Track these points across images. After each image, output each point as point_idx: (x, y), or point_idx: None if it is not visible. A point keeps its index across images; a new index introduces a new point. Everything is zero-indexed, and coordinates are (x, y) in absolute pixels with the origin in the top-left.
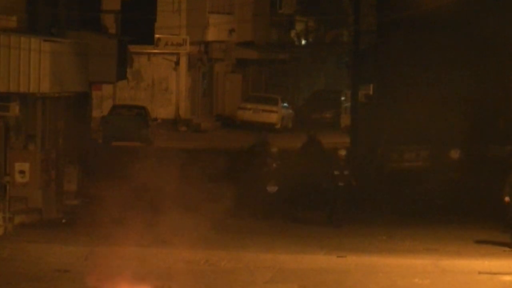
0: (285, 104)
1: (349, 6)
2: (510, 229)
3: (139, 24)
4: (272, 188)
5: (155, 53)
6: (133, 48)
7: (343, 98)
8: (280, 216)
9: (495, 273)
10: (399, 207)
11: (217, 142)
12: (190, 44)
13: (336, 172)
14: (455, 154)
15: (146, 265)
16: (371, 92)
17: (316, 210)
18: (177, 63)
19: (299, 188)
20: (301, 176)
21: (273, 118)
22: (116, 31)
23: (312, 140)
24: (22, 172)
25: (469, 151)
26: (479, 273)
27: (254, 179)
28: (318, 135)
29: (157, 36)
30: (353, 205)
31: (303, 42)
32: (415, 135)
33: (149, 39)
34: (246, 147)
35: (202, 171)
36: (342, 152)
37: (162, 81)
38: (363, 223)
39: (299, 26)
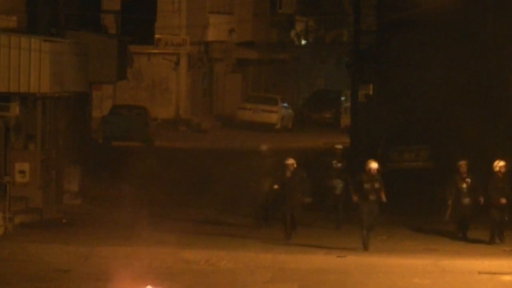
0: (285, 104)
1: (349, 6)
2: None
3: (139, 24)
4: (307, 199)
5: (155, 53)
6: (133, 48)
7: (343, 98)
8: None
9: (495, 273)
10: (400, 207)
11: (217, 142)
12: (190, 44)
13: (366, 186)
14: None
15: (146, 265)
16: (371, 92)
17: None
18: (177, 63)
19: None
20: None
21: (273, 118)
22: (116, 31)
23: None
24: (22, 172)
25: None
26: (479, 273)
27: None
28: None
29: (157, 36)
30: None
31: (303, 42)
32: (415, 135)
33: (149, 39)
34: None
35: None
36: (374, 165)
37: (162, 81)
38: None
39: (299, 26)
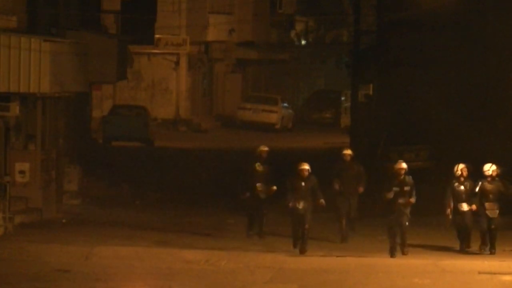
0: (285, 104)
1: (349, 6)
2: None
3: (139, 24)
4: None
5: (155, 53)
6: (133, 48)
7: (343, 98)
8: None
9: (495, 273)
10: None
11: (217, 142)
12: (190, 44)
13: (395, 188)
14: None
15: (146, 265)
16: (371, 92)
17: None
18: (177, 63)
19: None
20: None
21: (273, 118)
22: (116, 31)
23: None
24: (22, 172)
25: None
26: (479, 273)
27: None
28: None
29: (157, 36)
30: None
31: (303, 42)
32: (415, 135)
33: (149, 39)
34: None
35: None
36: (403, 165)
37: (162, 81)
38: (363, 223)
39: (299, 26)
